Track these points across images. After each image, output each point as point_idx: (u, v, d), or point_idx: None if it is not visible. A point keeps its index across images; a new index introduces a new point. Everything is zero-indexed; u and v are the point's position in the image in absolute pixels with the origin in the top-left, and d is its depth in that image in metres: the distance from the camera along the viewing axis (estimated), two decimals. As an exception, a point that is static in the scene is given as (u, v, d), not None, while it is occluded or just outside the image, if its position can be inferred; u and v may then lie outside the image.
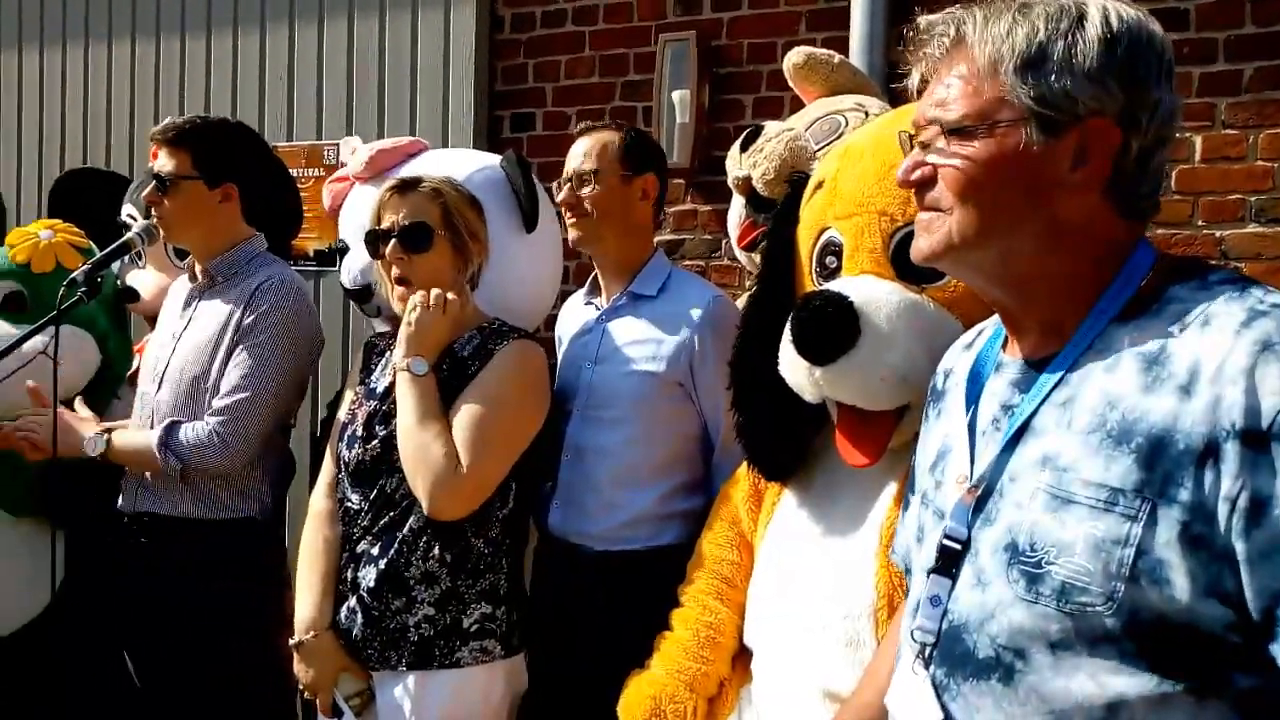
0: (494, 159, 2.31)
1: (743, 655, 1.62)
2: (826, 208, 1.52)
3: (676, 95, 2.94)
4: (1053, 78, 0.95)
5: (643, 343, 1.99)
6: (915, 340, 1.35)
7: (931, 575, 1.02)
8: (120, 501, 2.23)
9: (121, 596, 2.21)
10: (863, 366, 1.35)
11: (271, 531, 2.28)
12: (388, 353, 2.00)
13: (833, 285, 1.43)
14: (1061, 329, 0.99)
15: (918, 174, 1.04)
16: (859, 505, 1.44)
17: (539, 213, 2.19)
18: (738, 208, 2.29)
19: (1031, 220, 0.98)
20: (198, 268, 2.27)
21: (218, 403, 2.11)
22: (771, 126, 2.16)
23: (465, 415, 1.83)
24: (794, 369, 1.41)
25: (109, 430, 2.16)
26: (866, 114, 2.12)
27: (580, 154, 2.05)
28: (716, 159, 2.96)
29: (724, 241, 3.00)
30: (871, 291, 1.38)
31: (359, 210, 2.18)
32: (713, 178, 2.96)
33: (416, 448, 1.80)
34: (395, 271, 1.90)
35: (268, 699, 2.29)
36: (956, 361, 1.16)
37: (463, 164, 2.23)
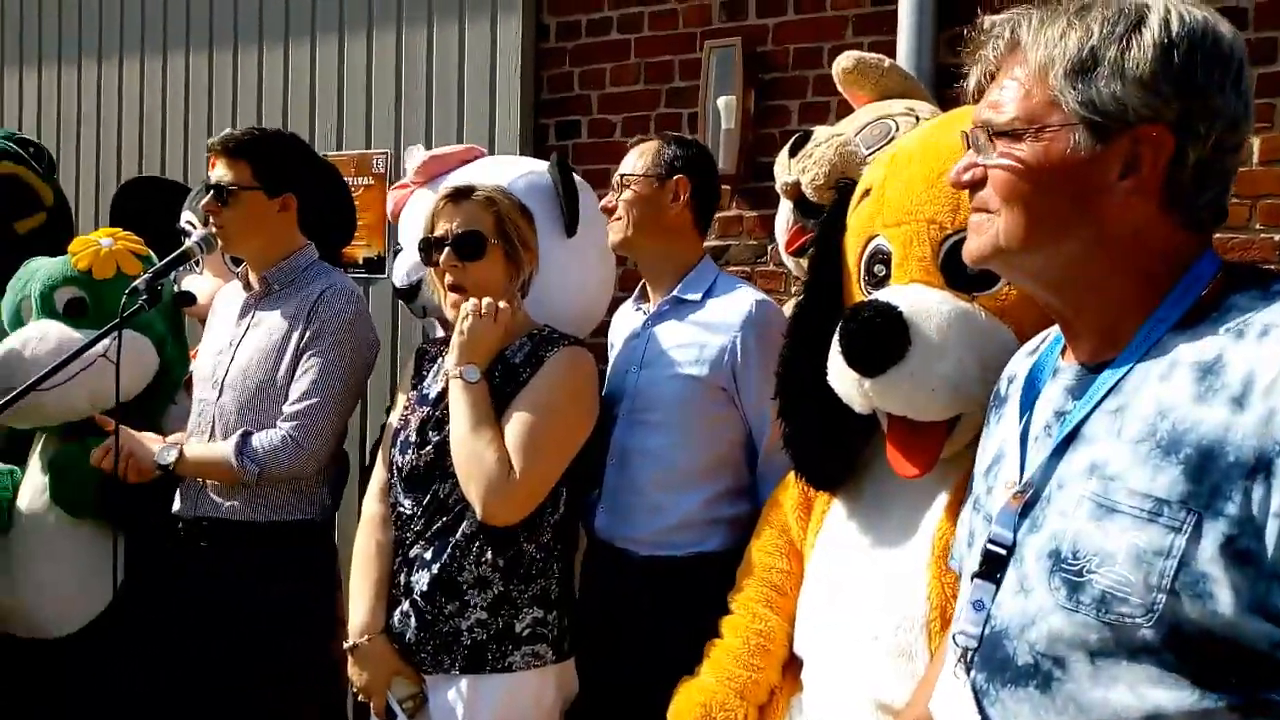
0: (540, 164, 2.34)
1: (793, 664, 1.61)
2: (874, 215, 1.51)
3: (722, 101, 2.94)
4: (1103, 83, 0.94)
5: (686, 347, 2.00)
6: (966, 350, 1.33)
7: (975, 580, 1.02)
8: (178, 506, 2.27)
9: (180, 599, 2.25)
10: (913, 377, 1.34)
11: (327, 533, 2.33)
12: (439, 359, 2.03)
13: (881, 294, 1.42)
14: (1117, 336, 0.99)
15: (969, 175, 1.04)
16: (911, 516, 1.43)
17: (578, 217, 2.22)
18: (785, 213, 2.29)
19: (1079, 226, 0.97)
20: (252, 276, 2.31)
21: (290, 409, 2.16)
22: (820, 131, 2.16)
23: (517, 422, 1.85)
24: (843, 380, 1.40)
25: (178, 443, 2.20)
26: (918, 118, 2.11)
27: (625, 162, 2.10)
28: (762, 165, 2.97)
29: (769, 247, 3.00)
30: (921, 301, 1.37)
31: (416, 214, 2.24)
32: (758, 184, 2.96)
33: (469, 454, 1.82)
34: (449, 279, 1.92)
35: (321, 700, 2.33)
36: (1019, 367, 1.16)
37: (508, 169, 2.27)
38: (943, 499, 1.40)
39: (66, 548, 2.49)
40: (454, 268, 1.91)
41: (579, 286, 2.27)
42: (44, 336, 2.45)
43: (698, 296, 2.04)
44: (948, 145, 1.45)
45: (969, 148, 1.06)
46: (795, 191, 2.18)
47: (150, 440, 2.25)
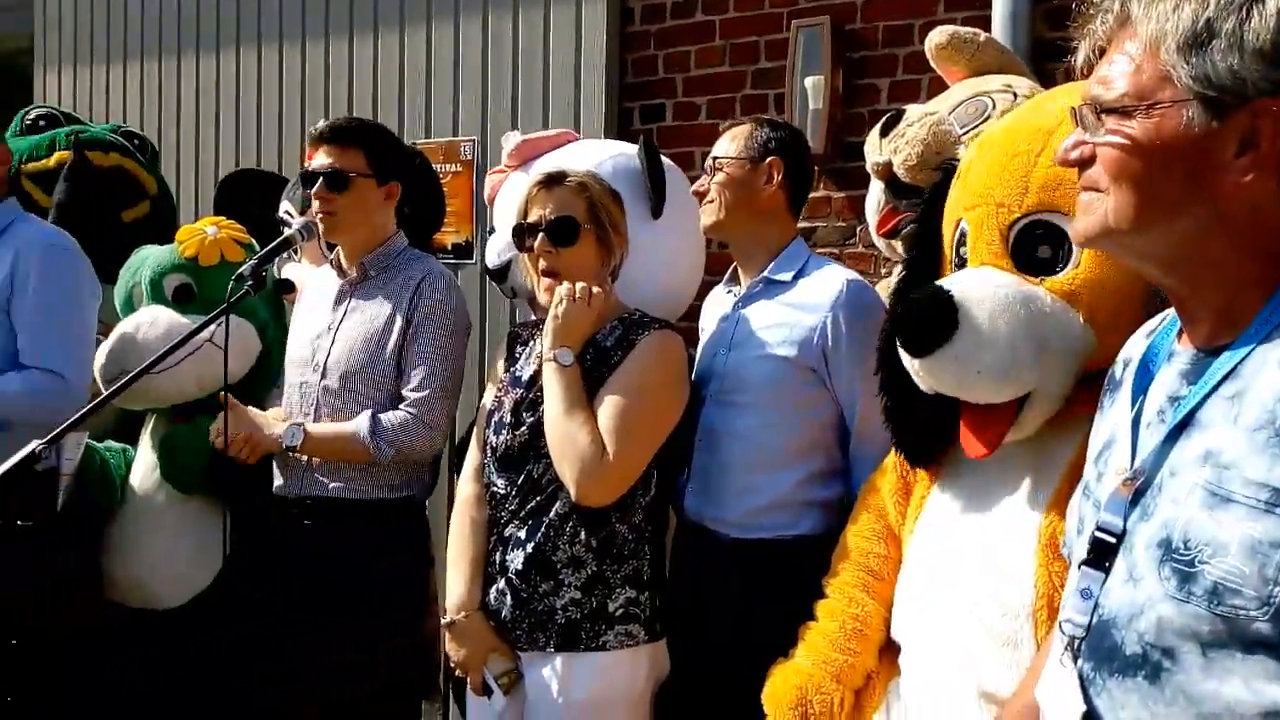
0: (629, 147, 2.36)
1: (889, 649, 1.60)
2: (959, 198, 1.51)
3: (809, 81, 2.91)
4: (1219, 56, 0.90)
5: (776, 327, 1.98)
6: (1021, 335, 1.34)
7: (1083, 567, 1.00)
8: (280, 485, 2.33)
9: (283, 574, 2.31)
10: (958, 360, 1.35)
11: (424, 510, 2.39)
12: (530, 342, 2.07)
13: (947, 279, 1.44)
14: (1236, 318, 0.95)
15: (1076, 153, 1.01)
16: (1016, 502, 1.41)
17: (664, 199, 2.23)
18: (876, 194, 2.25)
19: (1192, 206, 0.94)
20: (346, 262, 2.35)
21: (413, 393, 2.23)
22: (913, 110, 2.12)
23: (610, 404, 1.87)
24: (904, 359, 1.43)
25: (300, 424, 2.24)
26: (1015, 95, 2.06)
27: (718, 145, 2.08)
28: (851, 145, 2.93)
29: (858, 229, 2.96)
30: (977, 285, 1.38)
31: (510, 197, 2.28)
32: (847, 164, 2.92)
33: (563, 436, 1.85)
34: (543, 264, 1.95)
35: (417, 674, 2.40)
36: (1134, 350, 1.12)
37: (597, 152, 2.29)
38: (1050, 486, 1.38)
39: (175, 523, 2.60)
40: (548, 253, 1.93)
41: (667, 268, 2.27)
42: (154, 321, 2.55)
43: (789, 277, 2.02)
44: (1028, 126, 1.46)
45: (1077, 124, 1.03)
46: (886, 172, 2.15)
47: (268, 420, 2.31)
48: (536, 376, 1.98)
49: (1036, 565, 1.34)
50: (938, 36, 2.25)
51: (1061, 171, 1.36)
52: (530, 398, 1.97)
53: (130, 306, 2.67)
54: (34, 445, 1.83)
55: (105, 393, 2.27)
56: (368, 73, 3.73)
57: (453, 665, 2.01)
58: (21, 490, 1.97)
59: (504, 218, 2.35)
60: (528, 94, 3.38)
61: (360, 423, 2.21)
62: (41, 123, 3.12)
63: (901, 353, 1.43)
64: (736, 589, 1.94)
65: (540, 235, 1.93)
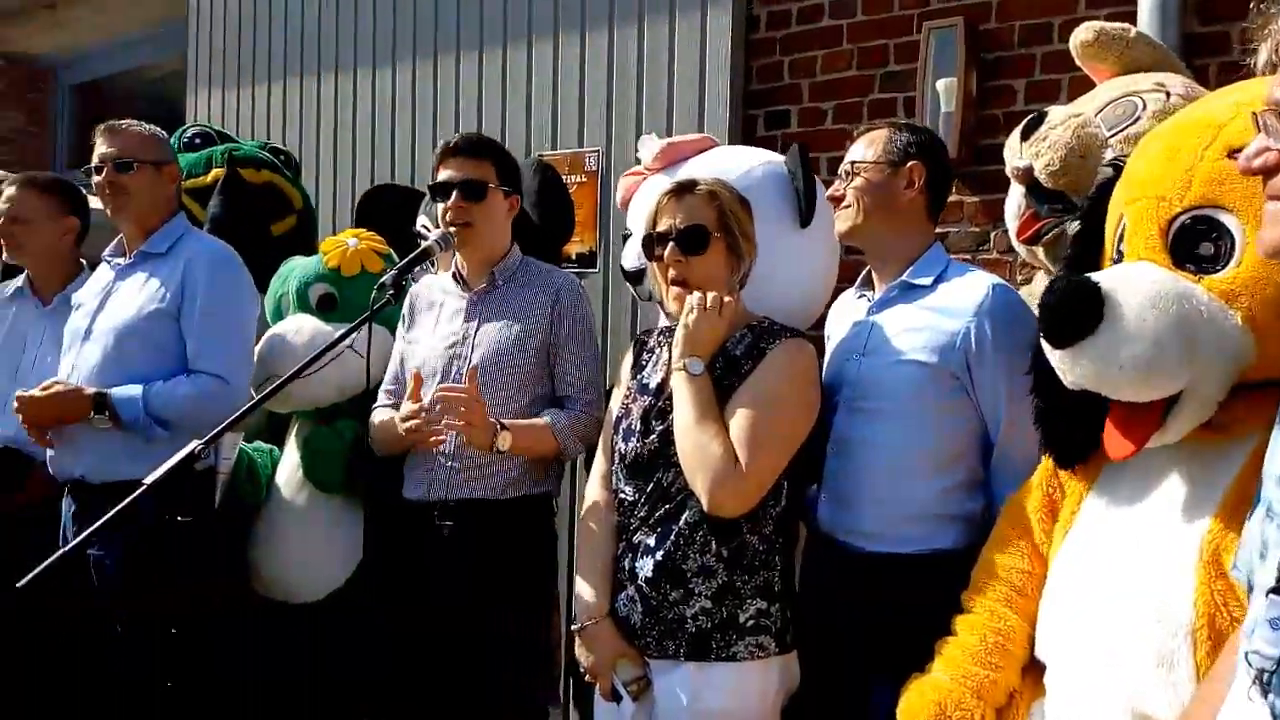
0: (776, 156, 2.34)
1: (1033, 668, 1.54)
2: (1122, 192, 1.46)
3: (941, 84, 2.84)
4: None
5: (916, 332, 1.92)
6: (1170, 332, 1.28)
7: (1271, 595, 0.94)
8: (418, 492, 2.36)
9: (419, 572, 2.35)
10: (1101, 353, 1.31)
11: (553, 510, 2.46)
12: (658, 349, 2.07)
13: (1100, 272, 1.39)
14: None
15: (1260, 161, 0.96)
16: (1174, 518, 1.34)
17: (815, 207, 2.20)
18: (1016, 198, 2.18)
19: None
20: (471, 272, 2.39)
21: (582, 394, 2.33)
22: (1056, 112, 2.04)
23: (742, 414, 1.85)
24: (1048, 351, 1.39)
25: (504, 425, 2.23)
26: (1169, 94, 1.96)
27: (854, 150, 2.04)
28: (984, 148, 2.85)
29: (993, 234, 2.87)
30: (1129, 279, 1.33)
31: (646, 200, 2.29)
32: (980, 168, 2.84)
33: (695, 446, 1.84)
34: (672, 273, 1.94)
35: (545, 674, 2.44)
36: None
37: (744, 160, 2.28)
38: (1211, 501, 1.31)
39: (317, 521, 2.71)
40: (678, 262, 1.93)
41: (809, 277, 2.25)
42: (299, 329, 2.68)
43: (928, 281, 1.96)
44: (1197, 120, 1.40)
45: (1259, 130, 0.97)
46: (1027, 176, 2.08)
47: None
48: (665, 384, 1.98)
49: (1197, 582, 1.27)
50: (1083, 34, 2.16)
51: (1229, 166, 1.29)
52: (659, 405, 1.96)
53: (279, 314, 2.80)
54: (193, 445, 1.94)
55: (255, 396, 2.39)
56: (496, 87, 3.81)
57: (582, 670, 2.01)
58: (180, 488, 2.08)
59: (639, 220, 2.37)
60: (652, 103, 3.40)
61: (554, 422, 2.28)
62: (197, 140, 3.31)
63: (1044, 344, 1.39)
64: (872, 602, 1.89)
65: (670, 244, 1.93)
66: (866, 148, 2.02)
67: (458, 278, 2.42)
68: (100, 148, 2.54)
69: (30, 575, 1.83)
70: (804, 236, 2.25)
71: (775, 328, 1.96)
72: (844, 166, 2.03)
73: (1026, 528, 1.62)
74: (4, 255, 2.92)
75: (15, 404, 2.48)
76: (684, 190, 1.96)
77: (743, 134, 3.28)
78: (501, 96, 3.80)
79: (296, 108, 4.47)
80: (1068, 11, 2.74)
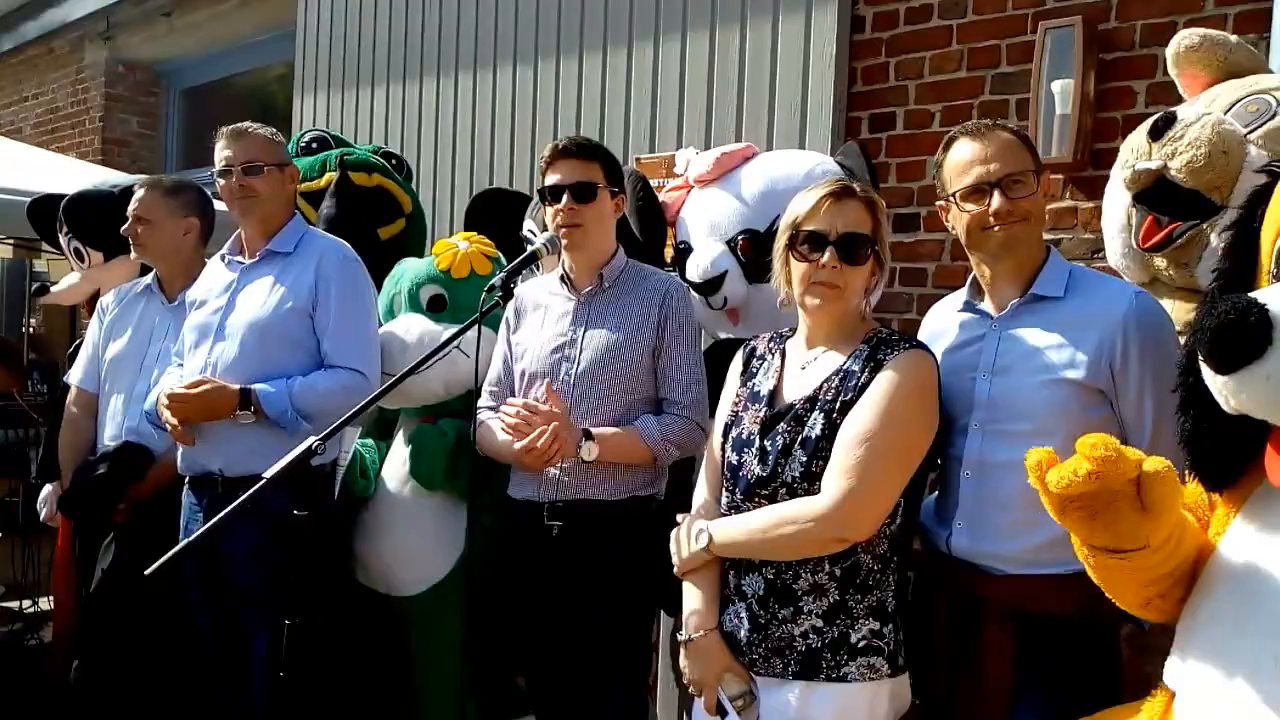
0: (825, 157, 2.29)
1: (1164, 692, 1.47)
2: (1276, 207, 1.39)
3: (1057, 85, 2.76)
4: None
5: (1056, 348, 1.83)
6: None
7: None
8: (531, 490, 2.37)
9: (526, 570, 2.38)
10: (1269, 379, 1.24)
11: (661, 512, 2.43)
12: (768, 355, 2.01)
13: (1262, 291, 1.30)
14: None
15: None
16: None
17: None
18: (1122, 206, 2.09)
19: None
20: (579, 274, 2.40)
21: (684, 397, 2.33)
22: (1186, 111, 1.96)
23: (861, 430, 1.79)
24: (1207, 375, 1.32)
25: (591, 434, 2.28)
26: None
27: (994, 157, 1.86)
28: (1100, 152, 2.76)
29: (1108, 240, 2.78)
30: None
31: (698, 212, 2.28)
32: (1096, 172, 2.75)
33: (786, 526, 1.80)
34: (822, 277, 1.86)
35: (643, 674, 2.45)
36: None
37: (801, 162, 2.25)
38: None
39: (420, 515, 2.75)
40: (834, 269, 1.85)
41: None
42: (409, 329, 2.74)
43: (1059, 292, 1.87)
44: None
45: None
46: (1150, 179, 1.99)
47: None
48: (777, 393, 1.94)
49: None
50: (1189, 39, 2.08)
51: (1401, 180, 1.22)
52: (772, 415, 1.92)
53: (390, 313, 2.86)
54: (311, 440, 1.98)
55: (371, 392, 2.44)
56: (595, 89, 3.84)
57: (686, 682, 1.98)
58: (299, 482, 2.14)
59: (699, 231, 2.34)
60: (752, 105, 3.38)
61: (644, 429, 2.29)
62: (314, 145, 3.40)
63: (1204, 368, 1.32)
64: (1013, 627, 1.82)
65: (829, 249, 1.85)
66: (1017, 156, 1.87)
67: (565, 280, 2.43)
68: (225, 151, 2.62)
69: (158, 563, 1.90)
70: None
71: (894, 337, 1.89)
72: (1000, 176, 1.85)
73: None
74: (138, 255, 3.05)
75: (164, 400, 2.56)
76: (845, 195, 1.88)
77: (845, 135, 3.23)
78: (601, 99, 3.82)
79: (400, 112, 4.57)
80: (1193, 10, 2.64)
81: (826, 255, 1.85)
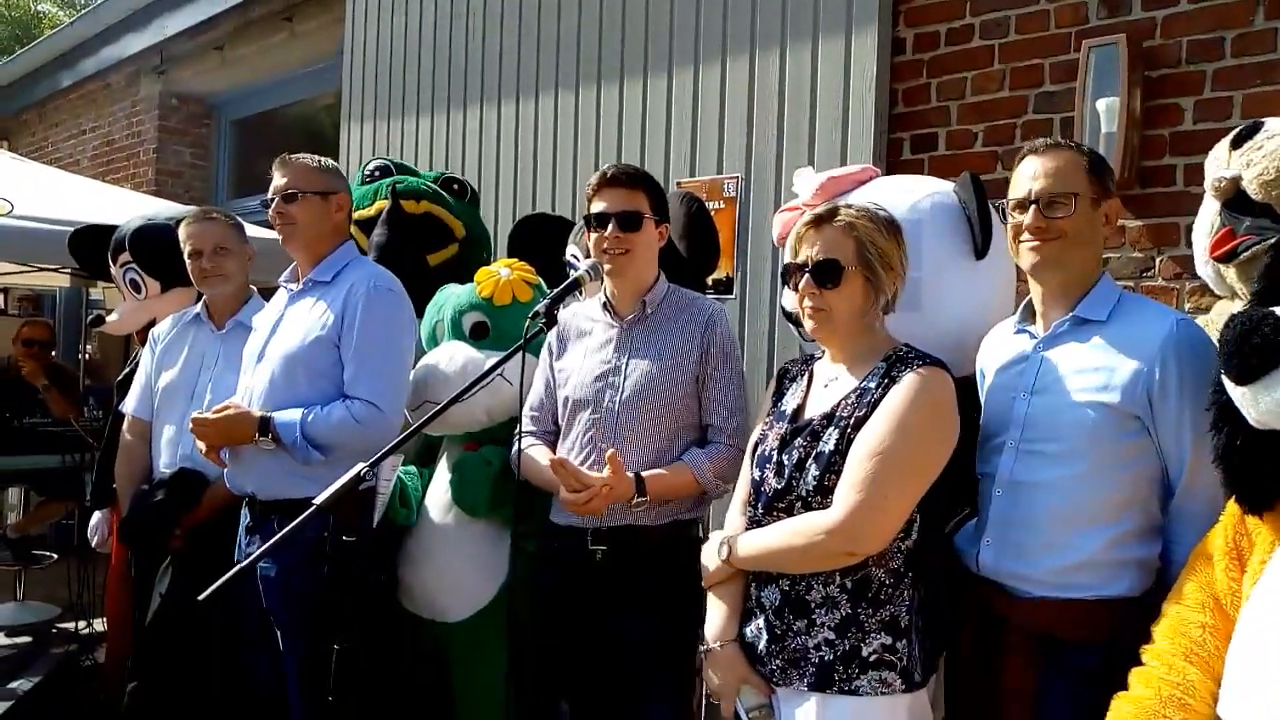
0: (945, 185, 2.28)
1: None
2: None
3: (1102, 104, 2.73)
4: None
5: (1093, 371, 1.82)
6: None
7: None
8: (570, 517, 2.37)
9: (569, 596, 2.40)
10: None
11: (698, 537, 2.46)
12: (799, 377, 2.06)
13: None
14: None
15: None
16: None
17: (990, 239, 2.13)
18: (1210, 214, 2.06)
19: None
20: (619, 301, 2.42)
21: (727, 424, 2.36)
22: (1273, 123, 1.93)
23: (873, 445, 1.80)
24: (1229, 387, 1.34)
25: (640, 477, 2.30)
26: None
27: (1046, 174, 1.86)
28: (1149, 170, 2.73)
29: (1158, 260, 2.74)
30: None
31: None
32: (1145, 191, 2.72)
33: (797, 538, 1.84)
34: (809, 304, 1.92)
35: (685, 702, 2.44)
36: None
37: (911, 191, 2.23)
38: None
39: (464, 542, 2.77)
40: (813, 294, 1.91)
41: (981, 311, 2.17)
42: (451, 357, 2.76)
43: (1103, 316, 1.86)
44: None
45: None
46: (1232, 188, 1.96)
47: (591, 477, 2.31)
48: (800, 410, 1.98)
49: None
50: None
51: None
52: (791, 431, 1.95)
53: (434, 340, 2.89)
54: (360, 467, 2.01)
55: (412, 421, 2.47)
56: (636, 114, 3.87)
57: (708, 691, 2.01)
58: (346, 508, 2.16)
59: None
60: (793, 127, 3.39)
61: (695, 466, 2.31)
62: (376, 173, 3.46)
63: (1226, 381, 1.33)
64: (1037, 650, 1.81)
65: (806, 276, 1.91)
66: (1071, 175, 1.86)
67: (608, 307, 2.45)
68: (274, 180, 2.67)
69: (210, 589, 1.93)
70: (977, 269, 2.17)
71: (910, 355, 1.90)
72: (1043, 191, 1.86)
73: (1209, 579, 1.53)
74: (206, 288, 3.06)
75: (190, 423, 2.63)
76: (822, 221, 1.93)
77: (887, 157, 3.22)
78: (642, 123, 3.84)
79: (444, 139, 4.63)
80: (1241, 24, 2.60)
81: (804, 282, 1.91)
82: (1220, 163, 1.98)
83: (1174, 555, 1.74)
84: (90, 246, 3.71)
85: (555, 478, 2.29)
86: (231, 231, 3.05)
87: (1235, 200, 1.93)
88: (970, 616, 1.94)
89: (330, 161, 2.76)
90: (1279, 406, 1.28)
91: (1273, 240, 1.83)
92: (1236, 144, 1.94)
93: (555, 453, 2.41)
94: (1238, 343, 1.30)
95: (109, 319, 3.66)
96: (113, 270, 3.54)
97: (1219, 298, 2.18)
